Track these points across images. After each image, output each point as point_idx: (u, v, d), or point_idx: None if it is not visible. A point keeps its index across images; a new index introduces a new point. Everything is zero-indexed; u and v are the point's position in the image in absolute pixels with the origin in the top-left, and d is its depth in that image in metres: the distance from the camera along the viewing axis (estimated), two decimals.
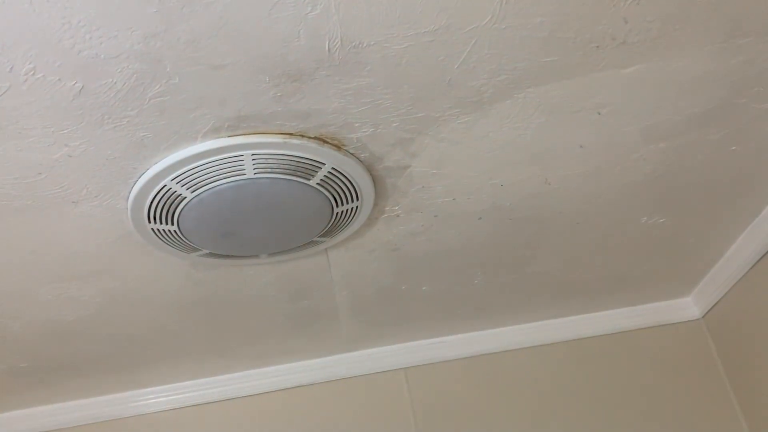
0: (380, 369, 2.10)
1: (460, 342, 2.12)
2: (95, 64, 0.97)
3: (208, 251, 1.40)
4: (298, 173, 1.22)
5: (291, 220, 1.33)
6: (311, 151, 1.19)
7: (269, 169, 1.20)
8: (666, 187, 1.53)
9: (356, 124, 1.18)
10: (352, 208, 1.36)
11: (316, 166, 1.22)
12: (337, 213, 1.35)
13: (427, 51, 1.06)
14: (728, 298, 1.99)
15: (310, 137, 1.19)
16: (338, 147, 1.22)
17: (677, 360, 2.10)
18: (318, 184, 1.25)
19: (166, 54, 0.98)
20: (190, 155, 1.15)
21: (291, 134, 1.17)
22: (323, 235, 1.43)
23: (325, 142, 1.20)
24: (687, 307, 2.16)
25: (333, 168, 1.23)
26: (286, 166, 1.20)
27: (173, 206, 1.25)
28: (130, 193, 1.23)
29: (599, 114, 1.26)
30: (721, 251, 1.89)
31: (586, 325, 2.14)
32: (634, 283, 1.99)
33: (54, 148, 1.11)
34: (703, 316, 2.14)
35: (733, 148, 1.43)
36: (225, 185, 1.21)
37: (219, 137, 1.15)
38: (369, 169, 1.29)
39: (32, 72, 0.96)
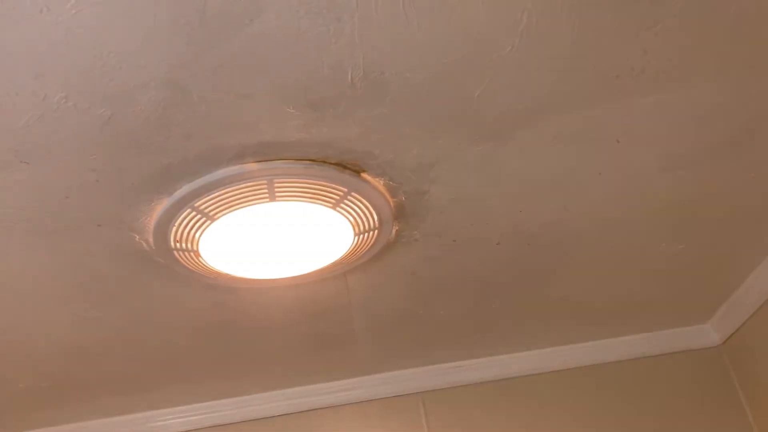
0: (397, 393, 2.10)
1: (477, 366, 2.11)
2: (124, 92, 1.00)
3: (228, 274, 1.42)
4: (320, 198, 1.24)
5: (311, 244, 1.35)
6: (332, 177, 1.21)
7: (291, 195, 1.21)
8: (685, 215, 1.53)
9: (377, 151, 1.20)
10: (371, 233, 1.37)
11: (337, 191, 1.24)
12: (357, 237, 1.36)
13: (447, 81, 1.07)
14: (748, 325, 1.97)
15: (331, 163, 1.21)
16: (359, 173, 1.24)
17: (696, 387, 2.08)
18: (339, 208, 1.27)
19: (193, 83, 1.00)
20: (214, 180, 1.18)
21: (313, 160, 1.19)
22: (342, 259, 1.44)
23: (346, 168, 1.22)
24: (706, 334, 2.14)
25: (354, 193, 1.25)
26: (308, 192, 1.22)
27: (196, 230, 1.27)
28: (154, 216, 1.26)
29: (618, 142, 1.27)
30: (740, 278, 1.88)
31: (605, 351, 2.12)
32: (653, 309, 1.98)
33: (82, 172, 1.14)
34: (723, 343, 2.12)
35: (753, 175, 1.43)
36: (248, 209, 1.23)
37: (243, 163, 1.17)
38: (389, 194, 1.31)
39: (64, 100, 0.99)
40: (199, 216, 1.24)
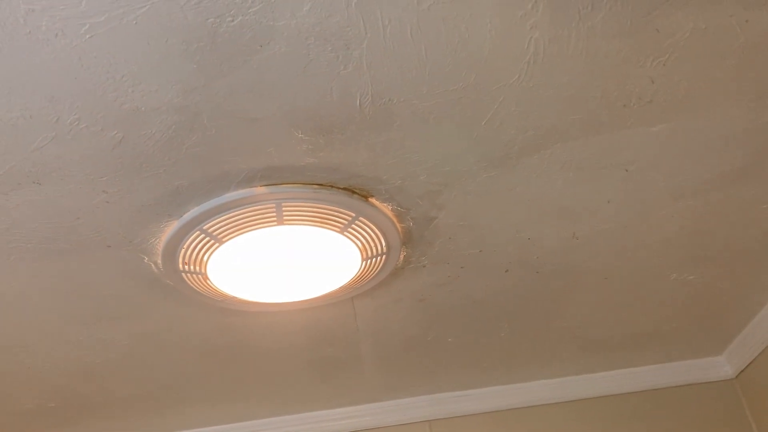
0: (404, 421, 2.08)
1: (485, 395, 2.09)
2: (136, 115, 1.01)
3: (236, 297, 1.43)
4: (328, 222, 1.24)
5: (319, 268, 1.35)
6: (340, 201, 1.22)
7: (299, 218, 1.22)
8: (695, 245, 1.52)
9: (384, 176, 1.21)
10: (379, 258, 1.37)
11: (345, 216, 1.24)
12: (365, 262, 1.36)
13: (455, 108, 1.08)
14: (763, 358, 1.94)
15: (339, 188, 1.21)
16: (367, 198, 1.24)
17: (709, 421, 2.04)
18: (347, 233, 1.27)
19: (204, 107, 1.02)
20: (223, 203, 1.19)
21: (321, 185, 1.20)
22: (350, 284, 1.44)
23: (353, 192, 1.23)
24: (719, 366, 2.11)
25: (361, 218, 1.26)
26: (316, 216, 1.23)
27: (204, 252, 1.28)
28: (163, 238, 1.27)
29: (627, 171, 1.27)
30: (754, 310, 1.85)
31: (614, 382, 2.10)
32: (663, 340, 1.95)
33: (93, 194, 1.15)
34: (737, 376, 2.09)
35: (765, 206, 1.42)
36: (256, 233, 1.23)
37: (252, 186, 1.18)
38: (396, 219, 1.31)
39: (77, 122, 1.01)
40: (207, 238, 1.25)
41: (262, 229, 1.23)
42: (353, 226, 1.26)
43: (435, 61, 1.00)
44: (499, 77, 1.04)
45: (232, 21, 0.90)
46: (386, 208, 1.28)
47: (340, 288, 1.45)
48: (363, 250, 1.33)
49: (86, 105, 0.98)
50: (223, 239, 1.25)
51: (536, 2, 0.95)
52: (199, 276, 1.34)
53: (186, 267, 1.32)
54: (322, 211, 1.22)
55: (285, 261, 1.31)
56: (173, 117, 1.02)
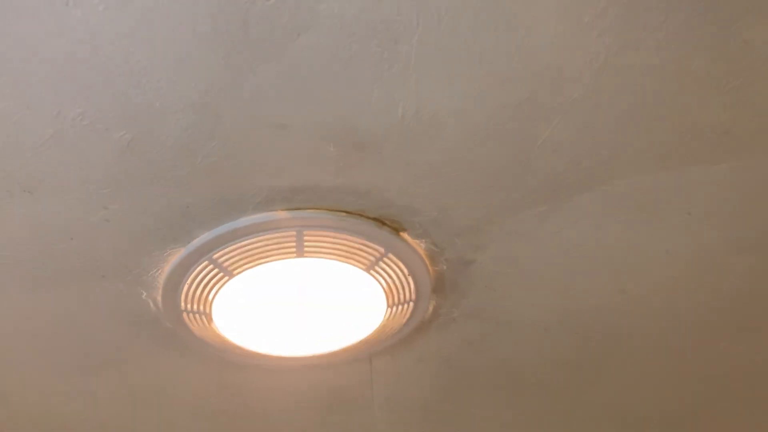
0: None
1: None
2: (149, 113, 0.89)
3: (240, 346, 1.27)
4: (353, 257, 1.10)
5: (338, 314, 1.20)
6: (368, 233, 1.08)
7: (322, 250, 1.08)
8: (753, 309, 1.36)
9: (419, 206, 1.07)
10: (406, 306, 1.22)
11: (373, 251, 1.10)
12: (390, 310, 1.21)
13: (506, 126, 0.96)
14: None
15: (368, 217, 1.08)
16: (398, 231, 1.11)
17: None
18: (373, 272, 1.13)
19: (227, 109, 0.90)
20: (237, 228, 1.05)
21: (349, 212, 1.07)
22: (371, 337, 1.28)
23: (384, 224, 1.09)
24: None
25: (391, 255, 1.12)
26: (341, 249, 1.09)
27: (211, 287, 1.13)
28: (166, 269, 1.12)
29: (689, 214, 1.14)
30: None
31: None
32: (712, 423, 1.77)
33: (92, 210, 1.02)
34: None
35: None
36: (271, 265, 1.09)
37: (271, 210, 1.05)
38: (429, 261, 1.17)
39: (80, 118, 0.89)
40: (216, 270, 1.10)
41: (279, 261, 1.09)
42: (381, 263, 1.12)
43: (489, 70, 0.89)
44: (557, 94, 0.93)
45: (268, 0, 0.79)
46: (419, 246, 1.14)
47: (360, 342, 1.29)
48: (389, 293, 1.18)
49: (93, 96, 0.86)
50: (234, 272, 1.10)
51: (605, 7, 0.84)
52: (203, 316, 1.19)
53: (189, 306, 1.17)
54: (348, 243, 1.08)
55: (300, 300, 1.16)
56: (191, 117, 0.90)
